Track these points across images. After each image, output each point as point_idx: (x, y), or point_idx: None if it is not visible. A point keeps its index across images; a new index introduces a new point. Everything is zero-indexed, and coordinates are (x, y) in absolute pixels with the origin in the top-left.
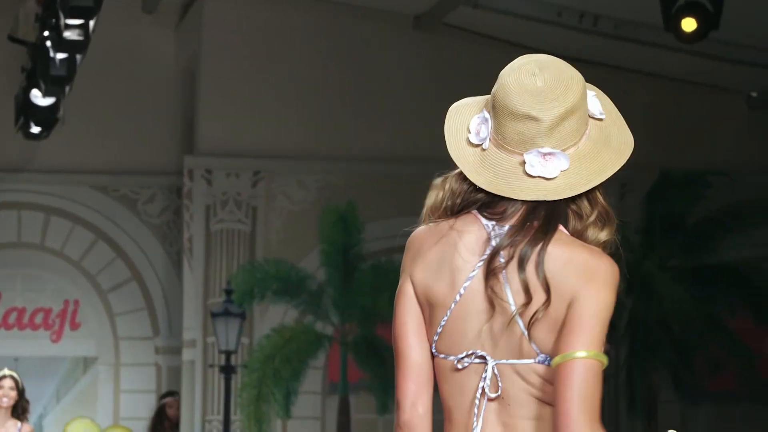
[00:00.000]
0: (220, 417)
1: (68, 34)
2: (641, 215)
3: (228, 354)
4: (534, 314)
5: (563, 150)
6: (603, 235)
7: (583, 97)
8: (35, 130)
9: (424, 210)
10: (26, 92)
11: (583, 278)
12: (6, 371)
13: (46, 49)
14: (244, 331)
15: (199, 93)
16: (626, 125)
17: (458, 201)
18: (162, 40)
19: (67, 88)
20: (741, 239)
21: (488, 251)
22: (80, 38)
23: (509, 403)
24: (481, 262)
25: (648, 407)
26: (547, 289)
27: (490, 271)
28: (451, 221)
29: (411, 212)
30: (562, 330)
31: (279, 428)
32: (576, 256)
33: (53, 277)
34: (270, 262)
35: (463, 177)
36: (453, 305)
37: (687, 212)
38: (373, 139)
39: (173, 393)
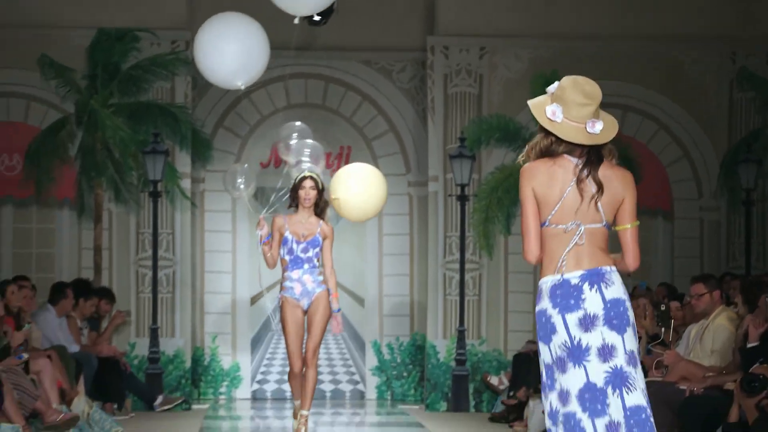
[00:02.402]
0: (457, 233)
1: None
2: None
3: (462, 186)
4: (602, 198)
5: (598, 119)
6: (615, 161)
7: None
8: (316, 18)
9: (526, 151)
10: None
11: (625, 185)
12: (306, 171)
13: None
14: (474, 169)
15: None
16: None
17: (551, 150)
18: None
19: None
20: None
21: (577, 172)
22: None
23: (585, 246)
24: (575, 179)
25: None
26: (602, 186)
27: (581, 181)
28: (550, 161)
29: (604, 77)
30: (620, 211)
31: (501, 242)
32: (616, 172)
33: (331, 128)
34: (493, 117)
35: (546, 137)
36: (561, 201)
37: None
38: (572, 20)
39: None
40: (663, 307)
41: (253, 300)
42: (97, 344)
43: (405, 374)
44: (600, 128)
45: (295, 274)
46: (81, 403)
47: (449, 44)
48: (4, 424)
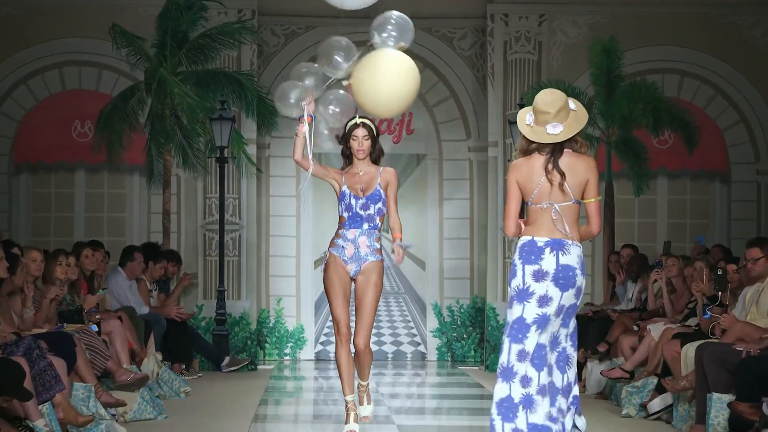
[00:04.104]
0: None
1: None
2: None
3: None
4: (566, 182)
5: (559, 122)
6: (587, 152)
7: (566, 103)
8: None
9: (516, 152)
10: None
11: (588, 169)
12: (358, 119)
13: None
14: None
15: None
16: (585, 110)
17: (526, 148)
18: None
19: None
20: None
21: (546, 165)
22: None
23: (559, 219)
24: (545, 171)
25: None
26: (563, 174)
27: (549, 171)
28: (527, 158)
29: (661, 42)
30: (585, 190)
31: None
32: (582, 159)
33: None
34: (552, 82)
35: (524, 139)
36: (538, 188)
37: None
38: None
39: None
40: (720, 271)
41: (317, 263)
42: (166, 306)
43: (465, 336)
44: (559, 130)
45: (351, 233)
46: (150, 363)
47: (509, 11)
48: (77, 383)
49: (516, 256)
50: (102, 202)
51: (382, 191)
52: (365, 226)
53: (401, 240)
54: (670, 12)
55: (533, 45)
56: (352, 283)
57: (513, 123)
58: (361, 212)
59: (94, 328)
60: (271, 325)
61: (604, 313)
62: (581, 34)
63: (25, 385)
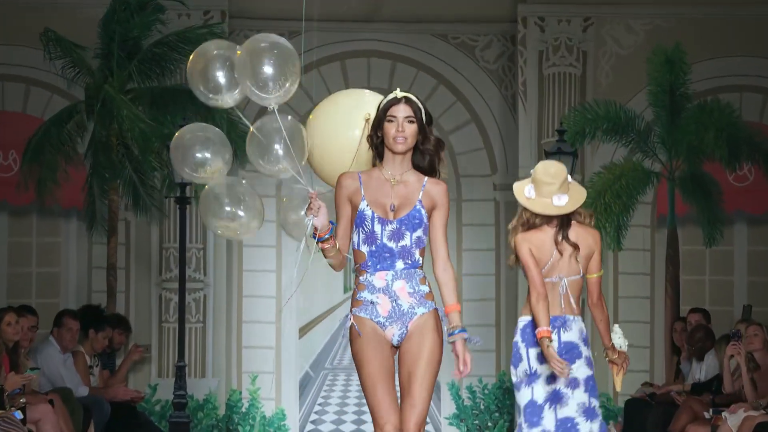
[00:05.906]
0: None
1: None
2: None
3: None
4: (578, 255)
5: (563, 193)
6: (591, 223)
7: (566, 175)
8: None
9: (515, 225)
10: None
11: (595, 242)
12: (398, 92)
13: None
14: (576, 168)
15: None
16: (579, 185)
17: (531, 222)
18: None
19: None
20: None
21: (555, 237)
22: None
23: (566, 295)
24: (555, 242)
25: None
26: (577, 246)
27: (558, 243)
28: (538, 231)
29: (734, 52)
30: (590, 264)
31: (610, 259)
32: (588, 231)
33: None
34: (600, 104)
35: (527, 212)
36: (550, 260)
37: None
38: None
39: None
40: None
41: (302, 331)
42: (110, 386)
43: (490, 424)
44: (565, 201)
45: (379, 278)
46: None
47: (545, 14)
48: None
49: (518, 338)
50: (30, 254)
51: (423, 213)
52: (399, 264)
53: (460, 319)
54: (750, 15)
55: (576, 56)
56: (395, 352)
57: (550, 154)
58: (391, 244)
59: (18, 415)
60: (243, 410)
61: (667, 396)
62: (637, 42)
63: None
